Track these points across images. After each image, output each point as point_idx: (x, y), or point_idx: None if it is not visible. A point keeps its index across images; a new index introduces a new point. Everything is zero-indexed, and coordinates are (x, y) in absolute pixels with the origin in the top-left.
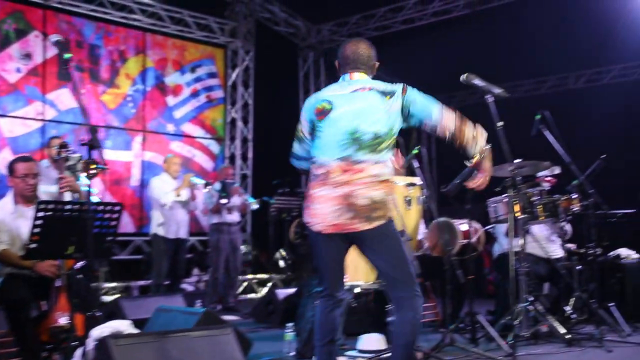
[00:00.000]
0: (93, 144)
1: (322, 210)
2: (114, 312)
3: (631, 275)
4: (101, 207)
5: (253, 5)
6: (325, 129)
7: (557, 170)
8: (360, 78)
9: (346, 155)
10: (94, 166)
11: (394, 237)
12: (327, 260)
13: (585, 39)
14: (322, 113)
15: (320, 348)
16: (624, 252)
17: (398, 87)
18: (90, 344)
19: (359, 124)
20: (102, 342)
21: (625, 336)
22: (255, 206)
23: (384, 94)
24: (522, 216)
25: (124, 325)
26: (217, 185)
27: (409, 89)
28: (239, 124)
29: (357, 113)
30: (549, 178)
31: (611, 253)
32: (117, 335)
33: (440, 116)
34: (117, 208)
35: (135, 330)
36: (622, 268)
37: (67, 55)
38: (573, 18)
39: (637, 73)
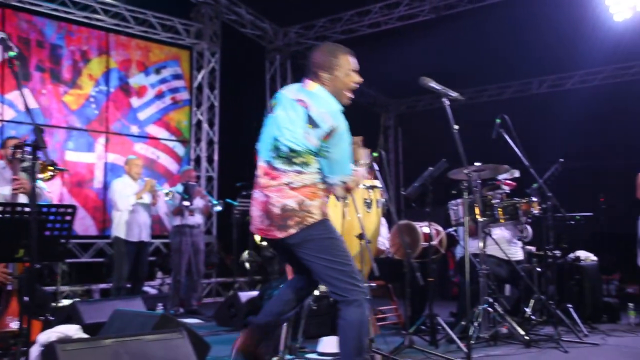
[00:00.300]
0: (38, 145)
1: (253, 214)
2: (70, 315)
3: (589, 277)
4: (54, 210)
5: (219, 7)
6: (266, 126)
7: (516, 173)
8: (310, 89)
9: (269, 160)
10: (51, 168)
11: (318, 243)
12: (284, 257)
13: (548, 45)
14: (271, 108)
15: (272, 306)
16: (582, 254)
17: (326, 126)
18: (36, 349)
19: (282, 133)
20: (48, 348)
21: (582, 337)
22: (218, 208)
23: (310, 120)
24: (483, 219)
25: (72, 330)
26: (180, 187)
27: (335, 138)
28: (205, 126)
29: (284, 122)
30: (508, 181)
31: (570, 255)
32: (64, 340)
33: (334, 183)
34: (70, 210)
35: (84, 335)
36: (581, 270)
37: (11, 53)
38: (537, 25)
39: (597, 79)
